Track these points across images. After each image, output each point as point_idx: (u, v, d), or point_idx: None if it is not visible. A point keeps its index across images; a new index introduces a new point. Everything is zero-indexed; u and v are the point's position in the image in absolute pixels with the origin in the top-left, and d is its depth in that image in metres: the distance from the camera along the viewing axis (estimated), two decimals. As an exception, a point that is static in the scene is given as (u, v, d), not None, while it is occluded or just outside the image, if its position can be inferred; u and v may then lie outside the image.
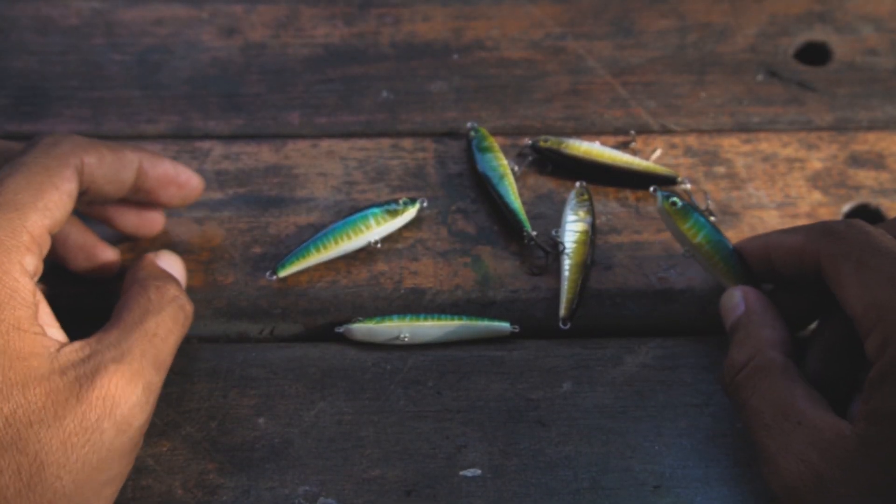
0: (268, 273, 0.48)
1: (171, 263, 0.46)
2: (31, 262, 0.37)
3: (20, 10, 0.63)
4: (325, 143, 0.55)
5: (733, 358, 0.41)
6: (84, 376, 0.36)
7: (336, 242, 0.49)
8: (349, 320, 0.47)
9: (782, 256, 0.42)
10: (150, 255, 0.45)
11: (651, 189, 0.48)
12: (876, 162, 0.54)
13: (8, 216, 0.36)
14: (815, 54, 0.60)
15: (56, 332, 0.38)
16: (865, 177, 0.53)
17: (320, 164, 0.54)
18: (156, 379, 0.38)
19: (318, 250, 0.49)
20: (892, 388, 0.33)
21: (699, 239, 0.45)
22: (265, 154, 0.55)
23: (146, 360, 0.38)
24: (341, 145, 0.55)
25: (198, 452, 0.43)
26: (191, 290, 0.48)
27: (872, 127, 0.56)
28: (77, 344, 0.37)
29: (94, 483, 0.35)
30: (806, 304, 0.43)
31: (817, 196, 0.52)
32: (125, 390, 0.36)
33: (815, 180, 0.53)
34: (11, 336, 0.35)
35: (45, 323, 0.38)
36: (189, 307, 0.43)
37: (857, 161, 0.54)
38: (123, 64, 0.60)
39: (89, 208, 0.47)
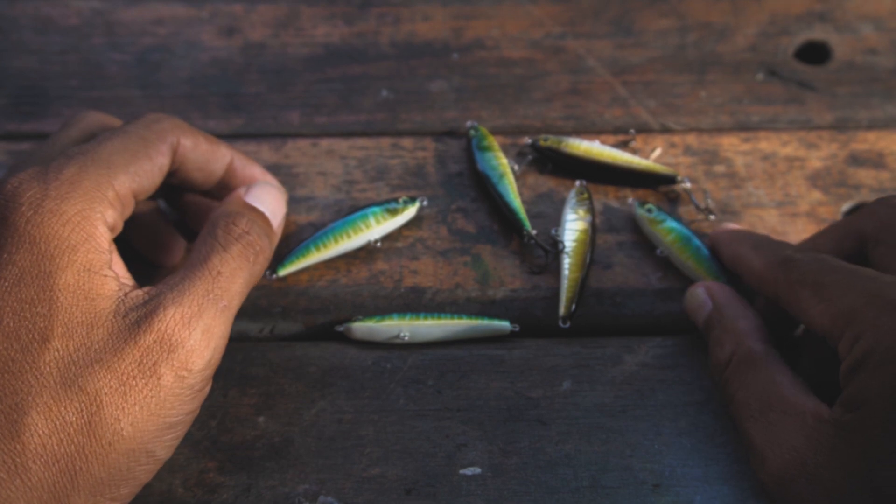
0: (268, 272, 0.48)
1: (260, 196, 0.44)
2: (112, 216, 0.38)
3: (20, 10, 0.63)
4: (325, 143, 0.55)
5: (716, 356, 0.42)
6: (142, 318, 0.36)
7: (336, 241, 0.49)
8: (349, 319, 0.47)
9: (746, 275, 0.44)
10: (240, 190, 0.44)
11: (629, 201, 0.52)
12: (876, 161, 0.54)
13: (99, 171, 0.38)
14: (815, 54, 0.60)
15: (127, 280, 0.38)
16: (865, 176, 0.53)
17: (320, 163, 0.54)
18: (218, 321, 0.38)
19: (317, 249, 0.49)
20: (864, 377, 0.34)
21: (670, 238, 0.49)
22: (265, 153, 0.55)
23: (207, 301, 0.37)
24: (341, 144, 0.55)
25: (198, 451, 0.43)
26: (191, 289, 0.49)
27: (872, 126, 0.56)
28: (145, 288, 0.38)
29: (154, 427, 0.36)
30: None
31: (817, 195, 0.52)
32: (181, 333, 0.36)
33: (815, 179, 0.53)
34: (82, 276, 0.36)
35: (117, 272, 0.38)
36: (262, 242, 0.41)
37: (856, 160, 0.54)
38: (123, 64, 0.60)
39: (177, 198, 0.48)
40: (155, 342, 0.36)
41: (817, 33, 0.61)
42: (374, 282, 0.49)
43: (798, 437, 0.36)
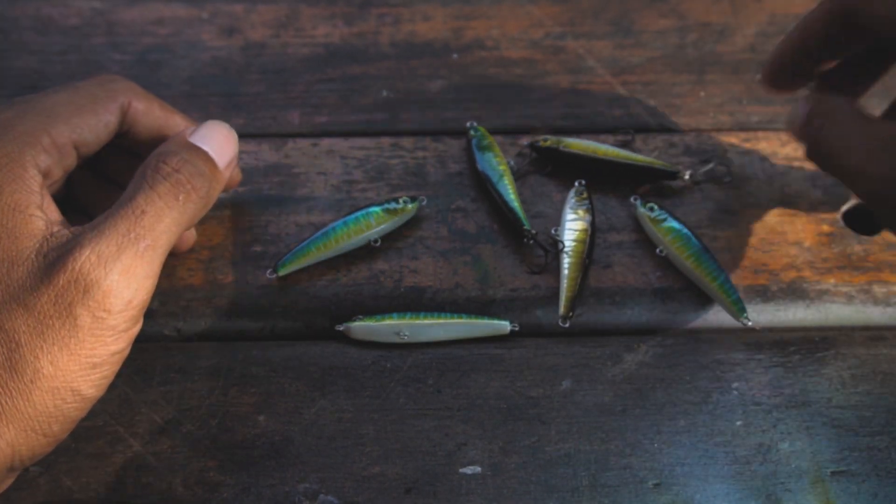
0: (268, 271, 0.48)
1: (205, 135, 0.42)
2: (45, 161, 0.39)
3: (20, 10, 0.63)
4: (326, 143, 0.55)
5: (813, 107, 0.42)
6: (58, 258, 0.36)
7: (336, 241, 0.49)
8: (349, 318, 0.47)
9: (816, 18, 0.44)
10: (186, 130, 0.42)
11: (632, 198, 0.52)
12: (875, 161, 0.54)
13: (37, 118, 0.39)
14: (814, 54, 0.60)
15: (57, 222, 0.38)
16: (864, 176, 0.53)
17: (320, 163, 0.54)
18: (140, 261, 0.37)
19: (318, 249, 0.49)
20: None
21: (670, 238, 0.49)
22: (265, 153, 0.55)
23: (127, 240, 0.37)
24: (341, 144, 0.55)
25: (198, 450, 0.43)
26: (191, 289, 0.49)
27: (871, 126, 0.56)
28: (70, 228, 0.37)
29: (76, 366, 0.36)
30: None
31: (816, 195, 0.53)
32: (96, 273, 0.36)
33: (815, 179, 0.53)
34: (7, 215, 0.36)
35: (47, 214, 0.38)
36: (194, 182, 0.40)
37: (856, 160, 0.54)
38: (123, 64, 0.60)
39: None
40: (69, 282, 0.35)
41: (816, 33, 0.61)
42: (375, 281, 0.49)
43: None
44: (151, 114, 0.44)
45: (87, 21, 0.62)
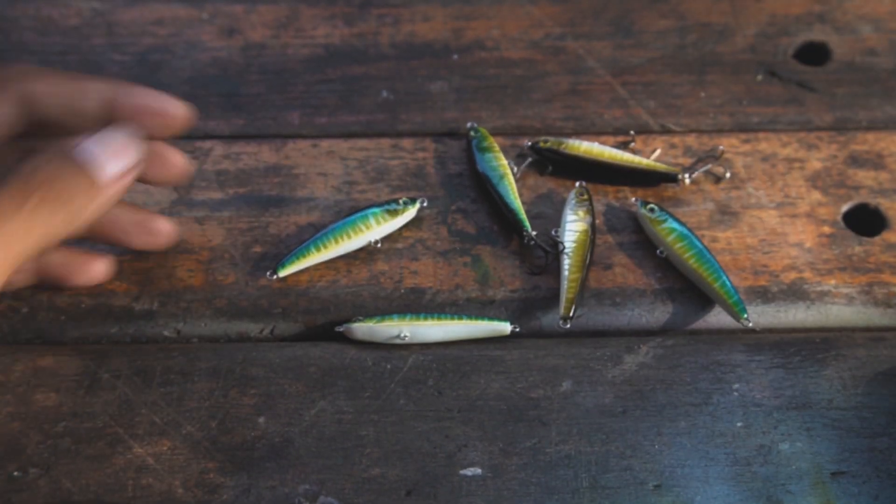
0: (268, 272, 0.48)
1: (95, 140, 0.38)
2: None
3: (20, 10, 0.63)
4: (326, 143, 0.55)
5: None
6: None
7: (336, 242, 0.49)
8: (349, 319, 0.47)
9: None
10: (71, 137, 0.39)
11: (632, 200, 0.52)
12: (875, 162, 0.54)
13: None
14: (814, 54, 0.60)
15: None
16: (865, 177, 0.53)
17: (320, 163, 0.54)
18: None
19: (318, 250, 0.49)
20: None
21: (671, 238, 0.49)
22: (265, 154, 0.55)
23: None
24: (341, 145, 0.55)
25: (198, 451, 0.43)
26: (191, 290, 0.49)
27: (871, 127, 0.56)
28: None
29: None
30: None
31: (817, 196, 0.53)
32: None
33: (815, 180, 0.53)
34: None
35: None
36: (52, 185, 0.36)
37: (856, 161, 0.54)
38: (123, 64, 0.60)
39: (93, 233, 0.46)
40: None
41: (817, 34, 0.61)
42: (375, 282, 0.49)
43: None
44: (59, 90, 0.40)
45: (87, 21, 0.62)
